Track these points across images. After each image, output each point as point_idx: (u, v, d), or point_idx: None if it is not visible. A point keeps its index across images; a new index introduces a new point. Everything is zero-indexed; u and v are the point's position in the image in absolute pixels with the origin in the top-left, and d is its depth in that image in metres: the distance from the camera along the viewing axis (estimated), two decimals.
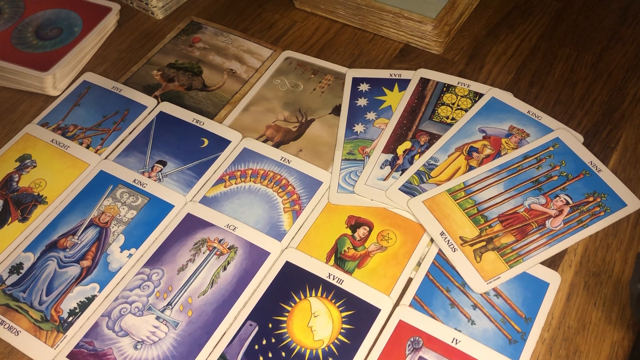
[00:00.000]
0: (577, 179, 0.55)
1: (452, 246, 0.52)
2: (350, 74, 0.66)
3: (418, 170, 0.57)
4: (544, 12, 0.72)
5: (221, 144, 0.61)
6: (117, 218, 0.57)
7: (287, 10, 0.76)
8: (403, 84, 0.65)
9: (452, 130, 0.60)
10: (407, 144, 0.59)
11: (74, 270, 0.54)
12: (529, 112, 0.61)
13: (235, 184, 0.58)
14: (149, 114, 0.64)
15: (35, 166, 0.61)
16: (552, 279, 0.50)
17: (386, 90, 0.64)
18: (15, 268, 0.54)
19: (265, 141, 0.62)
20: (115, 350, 0.49)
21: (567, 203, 0.54)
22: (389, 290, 0.50)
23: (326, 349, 0.48)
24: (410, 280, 0.51)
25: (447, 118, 0.61)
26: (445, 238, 0.52)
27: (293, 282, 0.51)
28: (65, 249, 0.55)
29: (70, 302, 0.52)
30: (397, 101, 0.63)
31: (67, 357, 0.49)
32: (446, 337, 0.48)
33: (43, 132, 0.64)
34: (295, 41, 0.72)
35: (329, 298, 0.50)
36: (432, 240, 0.53)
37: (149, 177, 0.59)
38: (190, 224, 0.56)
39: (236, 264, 0.53)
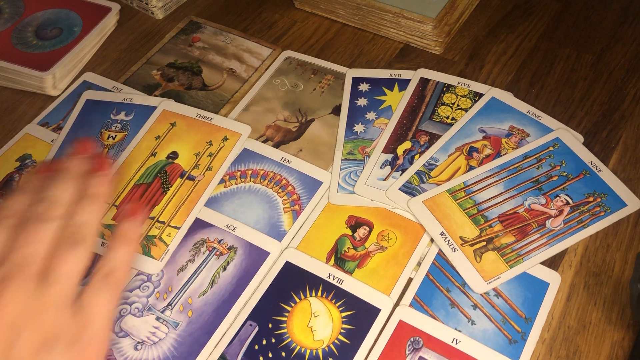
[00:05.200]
0: (577, 179, 0.55)
1: (452, 246, 0.52)
2: (350, 73, 0.66)
3: (418, 170, 0.57)
4: (544, 12, 0.72)
5: None
6: None
7: (287, 10, 0.76)
8: (403, 83, 0.65)
9: (452, 130, 0.60)
10: (407, 144, 0.59)
11: None
12: (529, 112, 0.61)
13: (235, 184, 0.58)
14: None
15: (35, 166, 0.61)
16: (552, 279, 0.50)
17: (386, 90, 0.64)
18: None
19: (265, 141, 0.62)
20: (115, 351, 0.49)
21: (567, 203, 0.54)
22: (389, 290, 0.50)
23: (326, 349, 0.48)
24: (410, 280, 0.51)
25: (447, 118, 0.61)
26: (445, 238, 0.52)
27: (293, 282, 0.51)
28: None
29: None
30: (397, 101, 0.63)
31: None
32: (446, 337, 0.48)
33: (43, 132, 0.64)
34: (295, 41, 0.72)
35: (329, 298, 0.50)
36: (432, 240, 0.53)
37: None
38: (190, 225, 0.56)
39: (236, 264, 0.53)
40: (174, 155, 0.60)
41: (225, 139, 0.61)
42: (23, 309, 0.35)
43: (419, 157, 0.58)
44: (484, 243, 0.52)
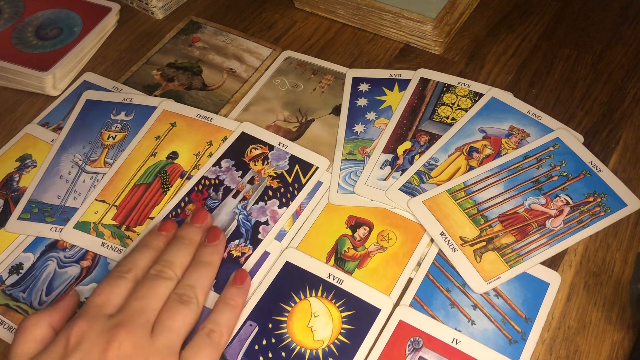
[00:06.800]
0: (577, 179, 0.55)
1: (452, 246, 0.52)
2: (350, 74, 0.66)
3: (418, 170, 0.57)
4: (544, 12, 0.72)
5: None
6: None
7: (287, 10, 0.76)
8: (403, 84, 0.65)
9: (452, 130, 0.60)
10: (407, 144, 0.59)
11: (73, 271, 0.54)
12: (529, 112, 0.61)
13: None
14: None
15: (35, 166, 0.61)
16: (552, 279, 0.50)
17: (386, 90, 0.64)
18: (15, 268, 0.54)
19: None
20: None
21: (567, 203, 0.54)
22: (389, 290, 0.51)
23: (326, 349, 0.48)
24: (410, 280, 0.51)
25: (447, 118, 0.61)
26: (445, 238, 0.52)
27: (293, 282, 0.51)
28: (65, 249, 0.55)
29: None
30: (397, 101, 0.63)
31: None
32: (446, 337, 0.48)
33: (43, 132, 0.64)
34: (295, 41, 0.72)
35: (329, 298, 0.50)
36: (432, 240, 0.53)
37: None
38: None
39: None
40: (174, 155, 0.60)
41: (225, 139, 0.61)
42: (135, 351, 0.41)
43: (419, 157, 0.58)
44: (484, 243, 0.52)
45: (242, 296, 0.49)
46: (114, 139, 0.62)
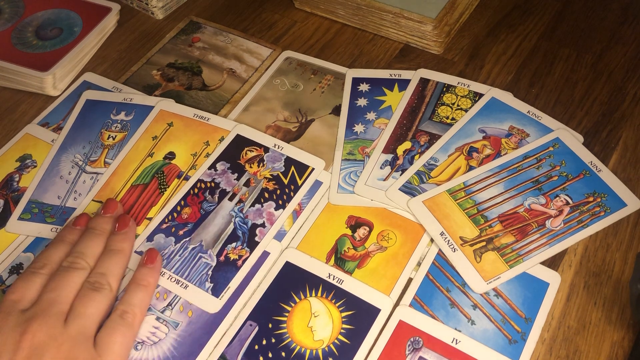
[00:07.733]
0: (577, 179, 0.55)
1: (452, 246, 0.52)
2: (350, 74, 0.66)
3: (418, 170, 0.57)
4: (544, 12, 0.72)
5: None
6: None
7: (287, 10, 0.76)
8: (403, 84, 0.65)
9: (452, 130, 0.60)
10: (407, 144, 0.59)
11: None
12: (529, 112, 0.61)
13: None
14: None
15: (35, 166, 0.61)
16: (552, 279, 0.50)
17: (386, 90, 0.64)
18: (15, 268, 0.54)
19: None
20: None
21: (567, 203, 0.54)
22: (389, 290, 0.50)
23: (326, 349, 0.48)
24: (410, 280, 0.51)
25: (447, 118, 0.61)
26: (445, 238, 0.52)
27: (293, 282, 0.51)
28: None
29: None
30: (397, 101, 0.63)
31: None
32: (446, 337, 0.48)
33: (43, 132, 0.64)
34: (295, 41, 0.72)
35: (329, 298, 0.50)
36: (432, 240, 0.53)
37: None
38: None
39: None
40: (171, 155, 0.60)
41: (222, 139, 0.61)
42: (48, 339, 0.42)
43: (419, 157, 0.58)
44: (483, 243, 0.52)
45: (153, 276, 0.49)
46: (114, 139, 0.62)
